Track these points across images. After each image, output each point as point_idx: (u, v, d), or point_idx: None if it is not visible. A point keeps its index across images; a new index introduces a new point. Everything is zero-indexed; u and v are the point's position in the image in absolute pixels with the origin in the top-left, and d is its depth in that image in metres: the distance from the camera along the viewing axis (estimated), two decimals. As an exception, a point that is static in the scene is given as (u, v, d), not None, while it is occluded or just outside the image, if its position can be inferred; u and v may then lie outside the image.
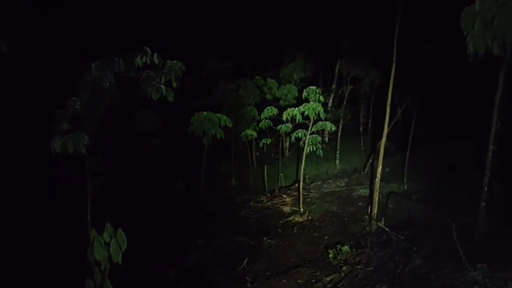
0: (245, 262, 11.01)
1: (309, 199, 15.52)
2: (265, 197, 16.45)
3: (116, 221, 6.12)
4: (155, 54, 7.65)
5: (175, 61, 8.38)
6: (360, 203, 14.28)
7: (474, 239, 8.99)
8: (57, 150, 6.31)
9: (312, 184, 17.27)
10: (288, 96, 18.14)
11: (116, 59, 7.03)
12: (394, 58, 11.38)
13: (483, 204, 8.72)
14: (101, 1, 18.06)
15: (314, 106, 13.78)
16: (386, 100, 11.74)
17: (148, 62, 7.62)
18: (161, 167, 19.72)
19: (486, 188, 8.73)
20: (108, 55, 7.12)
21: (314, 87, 14.26)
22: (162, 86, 7.91)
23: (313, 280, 9.56)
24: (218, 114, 13.91)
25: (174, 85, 8.20)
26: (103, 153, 8.28)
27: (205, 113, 13.85)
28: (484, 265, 7.12)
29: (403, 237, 10.52)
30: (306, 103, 13.93)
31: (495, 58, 7.81)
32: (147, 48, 7.59)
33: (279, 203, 15.70)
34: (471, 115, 16.63)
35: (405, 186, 14.77)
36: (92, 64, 6.87)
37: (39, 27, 16.39)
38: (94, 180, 7.71)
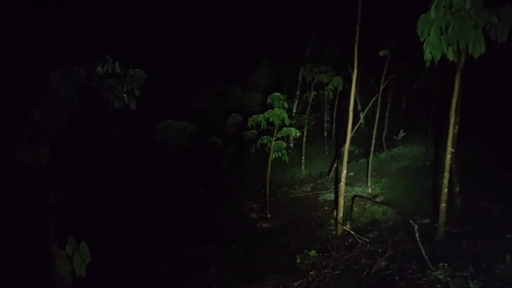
0: (213, 270, 10.95)
1: (276, 205, 15.58)
2: (233, 204, 16.43)
3: (82, 233, 5.98)
4: (117, 63, 7.55)
5: (137, 70, 8.30)
6: (326, 208, 14.45)
7: (435, 239, 9.25)
8: (18, 161, 6.14)
9: (278, 190, 17.35)
10: (252, 103, 18.21)
11: (76, 67, 6.92)
12: (356, 64, 11.63)
13: (443, 205, 8.99)
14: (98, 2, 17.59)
15: (279, 112, 13.89)
16: (349, 106, 11.97)
17: (110, 70, 7.51)
18: (126, 176, 19.40)
19: (446, 190, 8.99)
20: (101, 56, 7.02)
21: (279, 93, 14.38)
22: (124, 95, 7.81)
23: (281, 286, 9.61)
24: (183, 122, 13.85)
25: (137, 93, 8.10)
26: (65, 163, 8.10)
27: (169, 121, 13.77)
28: (446, 264, 7.33)
29: (368, 240, 10.70)
30: (271, 110, 14.03)
31: (451, 64, 8.12)
32: (108, 57, 7.49)
33: (246, 210, 15.70)
34: (431, 119, 17.18)
35: (369, 189, 15.05)
36: (52, 73, 6.73)
37: (37, 28, 15.80)
38: (57, 192, 7.52)
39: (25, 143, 6.39)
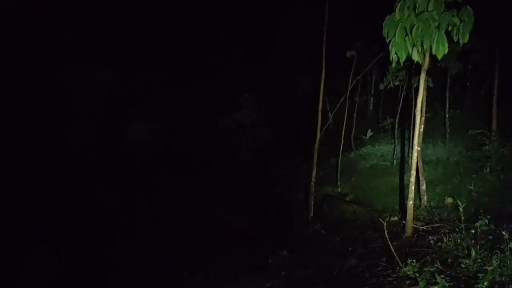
0: (184, 273, 10.86)
1: (247, 206, 15.58)
2: (204, 206, 16.32)
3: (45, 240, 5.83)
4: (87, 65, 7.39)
5: (106, 71, 8.14)
6: (296, 207, 14.54)
7: (404, 237, 9.43)
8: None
9: (250, 191, 17.35)
10: (223, 104, 18.18)
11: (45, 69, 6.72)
12: (324, 65, 11.75)
13: (411, 202, 9.17)
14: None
15: (251, 113, 13.92)
16: (317, 106, 12.09)
17: (78, 72, 7.34)
18: (94, 182, 18.99)
19: (413, 187, 9.19)
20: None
21: (249, 94, 14.42)
22: (93, 97, 7.65)
23: (253, 287, 9.60)
24: (154, 124, 13.70)
25: (106, 95, 7.94)
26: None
27: (140, 123, 13.60)
28: (414, 260, 7.46)
29: (338, 239, 10.83)
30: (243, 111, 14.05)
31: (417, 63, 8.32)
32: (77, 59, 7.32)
33: (218, 212, 15.63)
34: (398, 118, 17.53)
35: (339, 188, 15.23)
36: None
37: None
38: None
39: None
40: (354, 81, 15.97)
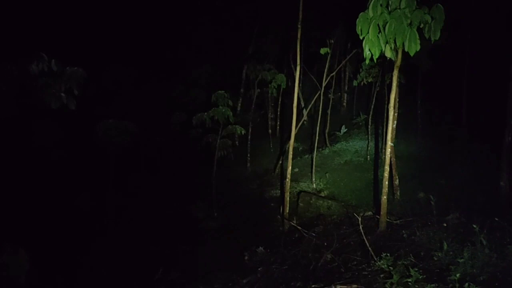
0: (159, 271, 10.74)
1: (222, 203, 15.54)
2: (179, 204, 16.20)
3: (16, 241, 5.69)
4: (53, 61, 7.19)
5: (75, 68, 7.95)
6: (272, 204, 14.59)
7: (378, 231, 9.58)
8: None
9: (224, 188, 17.30)
10: (196, 101, 18.05)
11: (9, 66, 6.52)
12: (298, 62, 11.79)
13: (384, 197, 9.31)
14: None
15: (223, 110, 13.86)
16: (292, 103, 12.13)
17: (46, 69, 7.14)
18: (65, 180, 18.62)
19: (386, 183, 9.33)
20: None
21: (223, 91, 14.35)
22: (63, 94, 7.45)
23: (230, 284, 9.57)
24: (125, 122, 13.48)
25: (76, 92, 7.76)
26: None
27: (111, 121, 13.35)
28: (388, 254, 7.59)
29: (314, 234, 10.91)
30: (215, 108, 13.96)
31: (390, 60, 8.43)
32: (44, 54, 7.12)
33: (193, 209, 15.52)
34: (371, 114, 17.77)
35: (314, 184, 15.35)
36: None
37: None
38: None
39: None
40: (328, 78, 16.09)
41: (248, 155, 20.08)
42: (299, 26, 11.52)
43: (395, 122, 10.32)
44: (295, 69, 12.14)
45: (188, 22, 19.99)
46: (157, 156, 19.75)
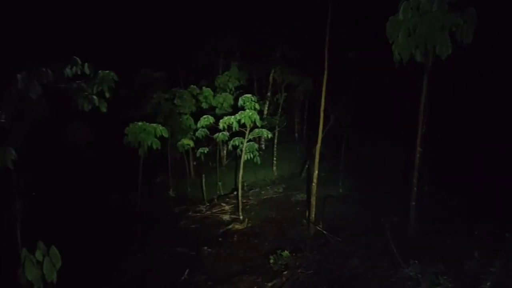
0: (186, 273, 10.84)
1: (248, 207, 15.59)
2: (204, 206, 16.33)
3: (49, 239, 5.84)
4: (86, 64, 7.38)
5: (107, 71, 8.14)
6: (298, 208, 14.54)
7: (406, 237, 9.44)
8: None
9: (250, 192, 17.36)
10: (224, 105, 18.12)
11: (44, 69, 6.72)
12: (326, 66, 11.75)
13: (413, 203, 9.17)
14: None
15: (250, 114, 13.89)
16: (320, 107, 12.09)
17: (79, 72, 7.34)
18: (96, 180, 19.01)
19: (415, 188, 9.18)
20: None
21: (250, 95, 14.39)
22: (94, 97, 7.63)
23: (255, 287, 9.60)
24: (154, 124, 13.64)
25: (107, 95, 7.94)
26: (32, 168, 7.88)
27: (140, 123, 13.53)
28: (416, 261, 7.49)
29: (340, 239, 10.84)
30: (242, 111, 14.02)
31: (418, 65, 8.31)
32: (77, 58, 7.32)
33: (219, 212, 15.63)
34: (397, 120, 17.50)
35: (340, 189, 15.24)
36: (18, 75, 6.51)
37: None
38: (23, 197, 7.30)
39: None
40: (354, 82, 15.96)
41: (274, 158, 20.09)
42: (327, 30, 11.49)
43: (424, 127, 10.16)
44: (323, 73, 12.10)
45: (217, 29, 20.16)
46: (182, 159, 19.95)
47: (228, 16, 19.82)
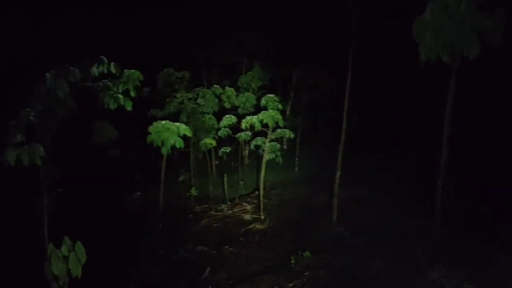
0: (207, 271, 10.91)
1: (269, 207, 15.58)
2: (226, 205, 16.39)
3: (73, 235, 5.96)
4: (112, 63, 7.52)
5: (132, 70, 8.28)
6: (319, 209, 14.47)
7: (430, 240, 9.30)
8: (11, 163, 6.06)
9: (272, 192, 17.35)
10: (246, 105, 18.19)
11: (72, 68, 6.87)
12: (350, 66, 11.66)
13: (438, 206, 9.03)
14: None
15: (273, 114, 13.89)
16: (343, 107, 12.02)
17: (105, 71, 7.48)
18: (119, 178, 19.32)
19: (440, 191, 9.04)
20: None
21: (272, 95, 14.40)
22: (120, 96, 7.77)
23: (276, 287, 9.60)
24: (177, 123, 13.78)
25: (133, 94, 8.08)
26: (58, 165, 8.04)
27: (163, 122, 13.68)
28: (441, 265, 7.38)
29: (363, 241, 10.74)
30: (265, 111, 14.03)
31: (445, 66, 8.18)
32: (104, 57, 7.45)
33: (240, 211, 15.67)
34: (419, 121, 17.28)
35: (363, 191, 15.10)
36: (47, 73, 6.67)
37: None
38: (50, 193, 7.46)
39: (18, 145, 6.31)
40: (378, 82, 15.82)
41: (297, 159, 20.03)
42: (352, 31, 11.42)
43: (451, 130, 9.98)
44: (347, 74, 12.02)
45: (240, 30, 20.25)
46: (204, 158, 20.08)
47: (252, 17, 19.88)
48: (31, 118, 6.59)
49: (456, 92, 8.68)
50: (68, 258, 5.65)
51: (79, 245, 5.77)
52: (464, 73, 8.72)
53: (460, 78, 8.60)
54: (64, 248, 5.67)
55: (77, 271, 5.69)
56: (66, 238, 5.72)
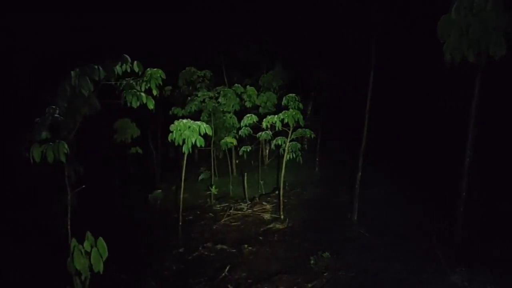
0: (226, 270, 10.95)
1: (289, 206, 15.56)
2: (246, 204, 16.43)
3: (95, 231, 6.05)
4: (135, 62, 7.61)
5: (155, 69, 8.36)
6: (340, 209, 14.37)
7: (452, 243, 9.16)
8: (36, 159, 6.19)
9: (292, 191, 17.32)
10: (267, 104, 18.20)
11: (96, 66, 6.97)
12: (372, 64, 11.53)
13: (461, 208, 8.89)
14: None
15: (294, 113, 13.86)
16: (365, 107, 11.92)
17: (128, 70, 7.58)
18: (141, 175, 19.59)
19: (464, 194, 8.89)
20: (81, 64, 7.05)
21: (293, 94, 14.36)
22: (143, 94, 7.86)
23: (295, 287, 9.58)
24: (198, 122, 13.84)
25: (155, 92, 8.16)
26: (81, 162, 8.18)
27: (184, 120, 13.76)
28: (463, 268, 7.26)
29: (383, 242, 10.64)
30: (286, 111, 14.00)
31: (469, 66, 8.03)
32: (127, 56, 7.55)
33: (260, 211, 15.69)
34: (442, 122, 17.01)
35: (384, 192, 14.94)
36: (71, 72, 6.79)
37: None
38: (73, 190, 7.60)
39: (43, 142, 6.44)
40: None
41: (317, 159, 19.94)
42: (377, 29, 11.30)
43: (476, 129, 9.81)
44: (368, 73, 11.91)
45: (263, 28, 20.29)
46: (226, 156, 20.17)
47: (273, 15, 19.89)
48: (56, 115, 6.71)
49: (481, 92, 8.53)
50: (90, 253, 5.74)
51: (101, 241, 5.86)
52: (490, 73, 8.57)
53: (485, 79, 8.44)
54: (86, 244, 5.77)
55: (99, 267, 5.78)
56: (89, 234, 5.82)
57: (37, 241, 11.99)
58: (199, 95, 17.56)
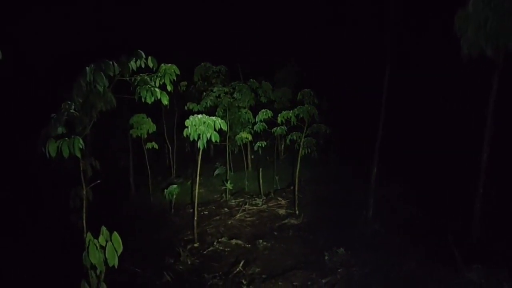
0: (240, 265, 10.99)
1: (304, 202, 15.52)
2: (261, 200, 16.42)
3: (110, 226, 6.11)
4: (150, 57, 7.64)
5: (169, 64, 8.39)
6: (355, 205, 14.28)
7: (468, 241, 9.04)
8: (52, 154, 6.26)
9: (307, 187, 17.27)
10: (282, 99, 18.14)
11: (111, 62, 7.01)
12: (388, 59, 11.40)
13: (478, 206, 8.75)
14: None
15: (309, 108, 13.80)
16: (380, 104, 11.80)
17: (143, 65, 7.61)
18: (156, 170, 19.71)
19: (481, 191, 8.75)
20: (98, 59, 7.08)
21: (309, 89, 14.29)
22: (157, 90, 7.90)
23: (309, 283, 9.57)
24: (213, 117, 13.85)
25: (169, 88, 8.20)
26: (97, 156, 8.26)
27: (200, 116, 13.79)
28: (479, 266, 7.16)
29: (398, 239, 10.55)
30: (301, 106, 13.95)
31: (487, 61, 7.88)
32: (141, 52, 7.58)
33: (275, 206, 15.69)
34: (457, 119, 16.73)
35: (400, 189, 14.79)
36: (86, 67, 6.84)
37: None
38: (89, 184, 7.68)
39: (58, 137, 6.51)
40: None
41: (332, 154, 19.80)
42: (391, 26, 11.18)
43: (493, 127, 9.63)
44: (384, 68, 11.78)
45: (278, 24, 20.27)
46: (241, 151, 20.17)
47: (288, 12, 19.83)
48: (72, 111, 6.77)
49: (499, 89, 8.38)
50: (105, 248, 5.79)
51: (116, 235, 5.90)
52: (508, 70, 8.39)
53: (504, 74, 8.28)
54: (101, 238, 5.82)
55: (114, 261, 5.83)
56: (104, 228, 5.87)
57: (53, 236, 12.17)
58: (214, 90, 17.57)
